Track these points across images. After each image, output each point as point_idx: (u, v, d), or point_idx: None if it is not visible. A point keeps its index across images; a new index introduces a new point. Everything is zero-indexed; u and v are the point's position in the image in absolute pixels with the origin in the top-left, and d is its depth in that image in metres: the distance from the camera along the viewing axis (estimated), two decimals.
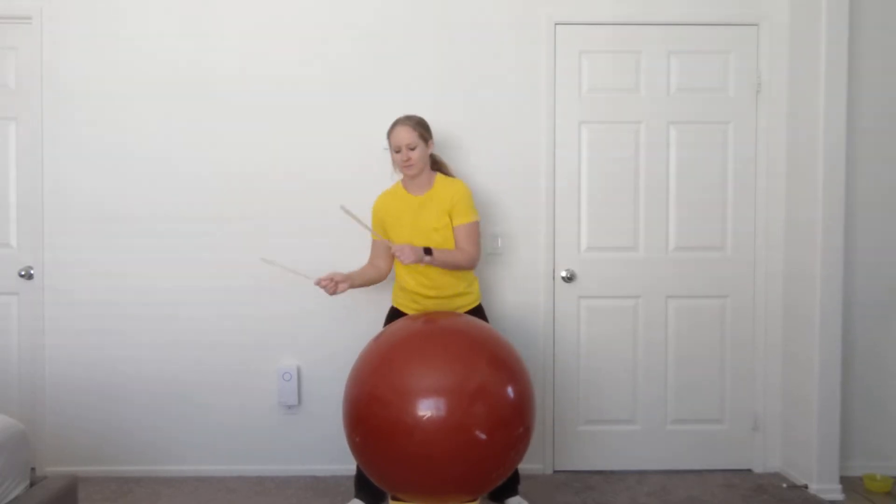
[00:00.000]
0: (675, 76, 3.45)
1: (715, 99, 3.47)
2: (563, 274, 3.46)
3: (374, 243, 3.03)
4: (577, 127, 3.45)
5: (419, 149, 2.87)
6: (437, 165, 3.04)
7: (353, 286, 2.91)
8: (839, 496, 3.18)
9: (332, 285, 2.82)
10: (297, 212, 3.41)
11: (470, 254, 2.87)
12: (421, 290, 2.88)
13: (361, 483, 2.96)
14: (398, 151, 2.87)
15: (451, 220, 2.88)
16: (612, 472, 3.48)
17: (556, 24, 3.41)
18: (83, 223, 3.40)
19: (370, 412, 2.43)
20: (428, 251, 2.76)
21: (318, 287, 2.83)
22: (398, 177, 3.03)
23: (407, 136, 2.85)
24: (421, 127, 2.90)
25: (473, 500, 2.52)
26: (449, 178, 2.99)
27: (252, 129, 3.40)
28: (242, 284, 3.41)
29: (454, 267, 2.86)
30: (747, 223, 3.49)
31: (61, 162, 3.39)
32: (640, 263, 3.49)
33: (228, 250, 3.41)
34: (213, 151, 3.40)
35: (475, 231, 2.92)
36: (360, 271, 2.99)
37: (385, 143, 3.35)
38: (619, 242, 3.48)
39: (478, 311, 2.99)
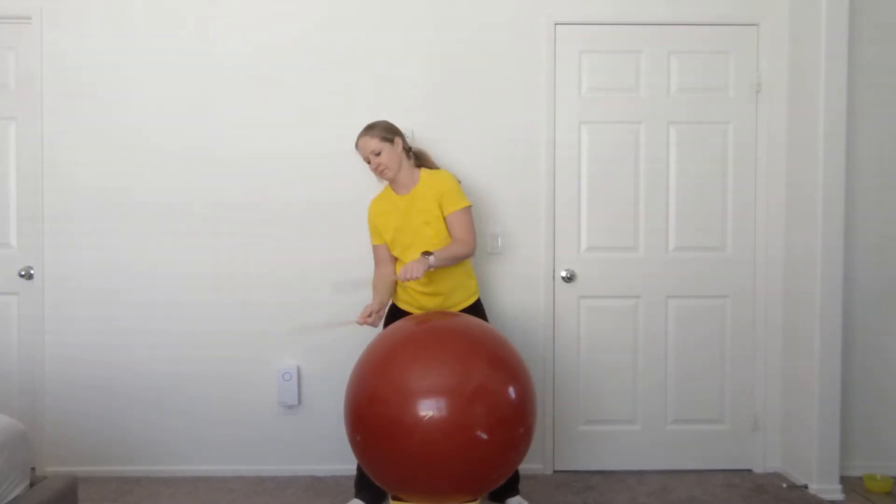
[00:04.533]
0: (675, 76, 3.45)
1: (715, 99, 3.47)
2: (563, 274, 3.46)
3: (375, 249, 3.01)
4: (577, 127, 3.45)
5: (385, 151, 2.87)
6: (420, 160, 3.01)
7: (385, 305, 2.93)
8: (839, 496, 3.18)
9: (375, 318, 2.83)
10: (300, 204, 3.41)
11: (467, 242, 2.86)
12: (419, 286, 2.87)
13: (362, 483, 2.96)
14: (368, 162, 2.91)
15: (442, 210, 2.87)
16: (612, 472, 3.48)
17: (556, 24, 3.41)
18: (83, 224, 3.40)
19: (371, 411, 2.43)
20: (427, 253, 2.74)
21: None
22: (385, 183, 3.04)
23: (368, 144, 2.88)
24: (381, 130, 2.90)
25: (473, 500, 2.51)
26: (433, 171, 2.97)
27: (255, 124, 3.40)
28: (241, 288, 3.42)
29: (457, 260, 2.85)
30: (747, 223, 3.49)
31: (61, 161, 3.39)
32: (640, 263, 3.49)
33: (224, 260, 3.42)
34: (213, 143, 3.41)
35: (468, 217, 2.89)
36: (382, 287, 2.94)
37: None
38: (619, 242, 3.48)
39: (477, 307, 2.99)
